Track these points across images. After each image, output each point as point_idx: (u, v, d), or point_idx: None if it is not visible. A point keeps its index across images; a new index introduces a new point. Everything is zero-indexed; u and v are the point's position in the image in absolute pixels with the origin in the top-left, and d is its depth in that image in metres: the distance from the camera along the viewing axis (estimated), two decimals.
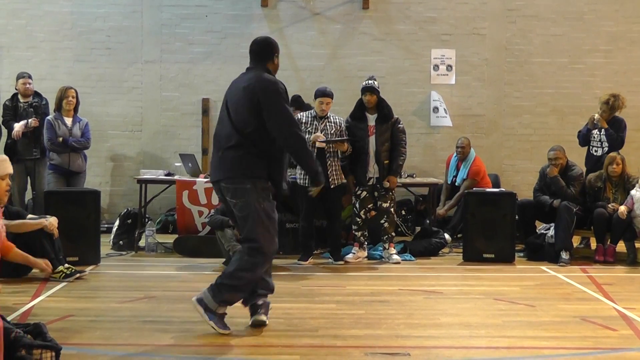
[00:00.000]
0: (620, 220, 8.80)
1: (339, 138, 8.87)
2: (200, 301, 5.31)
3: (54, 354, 4.38)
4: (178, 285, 7.48)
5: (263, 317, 5.68)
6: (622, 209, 8.82)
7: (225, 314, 5.49)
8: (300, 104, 10.45)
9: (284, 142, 5.42)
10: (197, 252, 9.15)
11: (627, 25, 12.22)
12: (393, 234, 9.32)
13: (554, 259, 9.00)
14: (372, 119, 9.07)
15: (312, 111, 9.08)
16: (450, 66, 12.29)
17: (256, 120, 5.37)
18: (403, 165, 9.40)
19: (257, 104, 5.36)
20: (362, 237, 9.18)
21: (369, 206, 9.11)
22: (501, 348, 5.27)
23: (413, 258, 9.38)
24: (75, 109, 9.78)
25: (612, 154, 9.34)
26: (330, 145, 8.82)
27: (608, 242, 9.19)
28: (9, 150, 9.67)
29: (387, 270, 8.63)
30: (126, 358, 4.99)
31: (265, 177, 5.45)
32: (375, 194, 9.08)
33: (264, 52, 5.70)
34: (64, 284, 7.28)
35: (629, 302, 6.78)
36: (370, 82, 9.07)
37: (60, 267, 7.41)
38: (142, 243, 9.70)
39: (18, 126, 9.59)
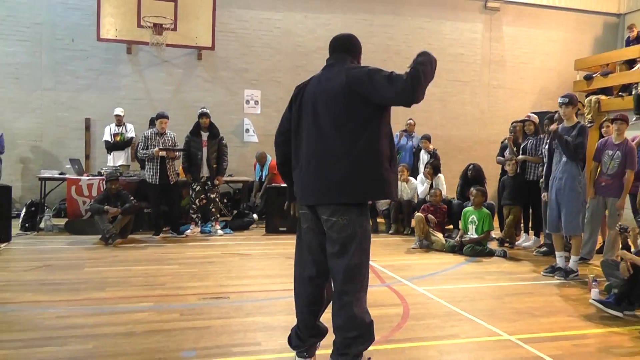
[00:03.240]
0: None
1: (173, 148, 8.84)
2: None
3: None
4: (68, 256, 7.19)
5: None
6: None
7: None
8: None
9: (408, 82, 2.84)
10: (82, 231, 8.83)
11: None
12: (218, 215, 9.37)
13: None
14: (205, 136, 9.06)
15: (154, 129, 8.93)
16: (257, 101, 12.48)
17: (360, 113, 3.03)
18: (227, 168, 9.46)
19: (354, 92, 3.02)
20: (197, 218, 9.16)
21: (201, 196, 9.14)
22: (290, 290, 5.37)
23: (232, 232, 9.46)
24: None
25: None
26: (167, 153, 8.79)
27: None
28: None
29: (214, 241, 8.63)
30: (29, 308, 4.72)
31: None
32: (206, 187, 9.12)
33: (352, 47, 3.29)
34: None
35: None
36: (205, 109, 9.10)
37: None
38: (42, 225, 9.21)
39: None
